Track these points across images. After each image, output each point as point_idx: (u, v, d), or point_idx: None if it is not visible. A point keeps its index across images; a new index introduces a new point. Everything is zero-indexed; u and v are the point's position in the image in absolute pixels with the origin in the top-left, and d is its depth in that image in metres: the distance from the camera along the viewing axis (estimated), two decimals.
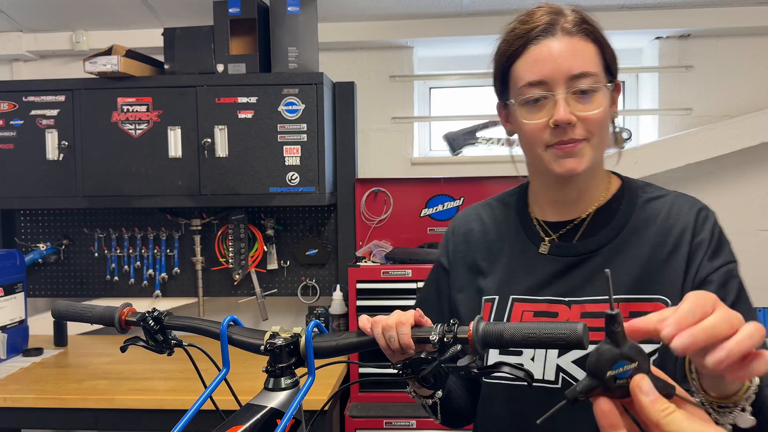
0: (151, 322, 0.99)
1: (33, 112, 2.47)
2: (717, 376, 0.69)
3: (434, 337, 0.82)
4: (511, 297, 1.06)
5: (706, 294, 0.64)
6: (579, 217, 1.06)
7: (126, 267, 2.74)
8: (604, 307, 0.64)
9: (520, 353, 1.03)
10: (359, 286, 2.33)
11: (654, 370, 0.60)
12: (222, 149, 2.38)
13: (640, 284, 0.99)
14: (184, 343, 1.03)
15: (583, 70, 0.96)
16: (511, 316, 1.04)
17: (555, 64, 0.96)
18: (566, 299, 1.02)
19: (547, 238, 1.07)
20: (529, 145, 1.03)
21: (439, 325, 0.83)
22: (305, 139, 2.37)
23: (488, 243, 1.15)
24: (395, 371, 0.88)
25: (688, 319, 0.61)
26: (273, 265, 2.71)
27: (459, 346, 0.81)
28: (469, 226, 1.22)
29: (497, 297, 1.08)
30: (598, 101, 0.97)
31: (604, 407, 0.59)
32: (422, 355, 0.84)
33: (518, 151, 1.13)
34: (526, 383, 0.80)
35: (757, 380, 0.76)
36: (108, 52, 2.36)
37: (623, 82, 2.85)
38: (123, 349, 0.99)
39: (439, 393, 1.03)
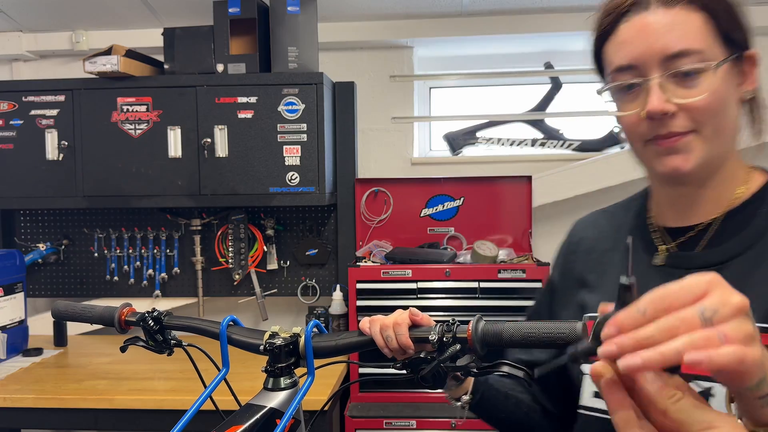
0: (150, 322, 0.99)
1: (33, 112, 2.47)
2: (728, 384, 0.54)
3: (433, 337, 0.82)
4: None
5: (694, 280, 0.51)
6: (705, 221, 0.86)
7: (126, 267, 2.74)
8: None
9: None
10: (359, 286, 2.33)
11: None
12: (222, 149, 2.38)
13: None
14: (183, 343, 1.03)
15: (682, 48, 0.79)
16: None
17: (646, 44, 0.80)
18: None
19: (663, 247, 0.89)
20: (629, 140, 0.88)
21: (438, 325, 0.83)
22: (305, 139, 2.37)
23: (599, 253, 0.98)
24: (395, 371, 0.88)
25: (630, 319, 0.51)
26: (273, 265, 2.71)
27: (458, 346, 0.81)
28: (582, 234, 1.05)
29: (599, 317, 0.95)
30: (706, 83, 0.79)
31: (603, 371, 0.53)
32: (421, 355, 0.84)
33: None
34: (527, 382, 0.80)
35: None
36: (108, 51, 2.36)
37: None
38: (123, 349, 0.99)
39: (466, 397, 0.98)
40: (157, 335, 1.00)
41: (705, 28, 0.81)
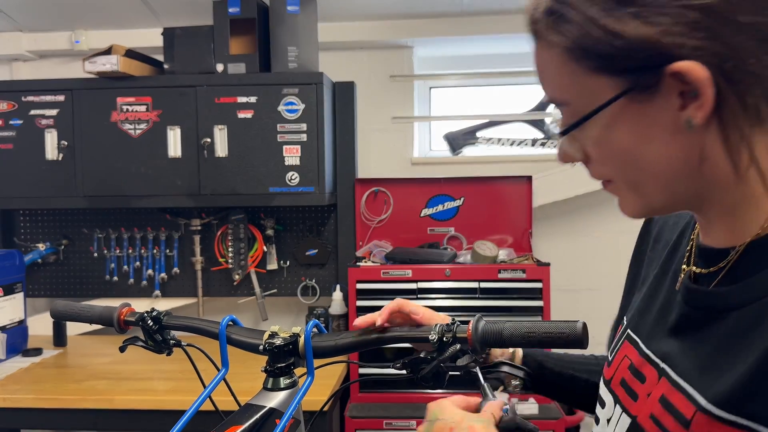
0: (149, 322, 0.99)
1: (32, 112, 2.46)
2: None
3: (433, 337, 0.82)
4: (628, 331, 0.78)
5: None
6: (734, 246, 0.63)
7: (125, 267, 2.74)
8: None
9: None
10: (359, 286, 2.33)
11: None
12: (222, 149, 2.38)
13: None
14: (183, 343, 1.03)
15: (551, 97, 0.65)
16: (615, 356, 0.79)
17: None
18: (662, 365, 0.68)
19: (685, 268, 0.70)
20: None
21: (438, 325, 0.83)
22: (305, 139, 2.36)
23: (659, 251, 0.82)
24: (395, 371, 0.87)
25: None
26: (273, 266, 2.71)
27: (458, 346, 0.80)
28: (668, 220, 0.83)
29: (623, 323, 0.81)
30: (593, 131, 0.62)
31: None
32: (422, 355, 0.83)
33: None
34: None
35: None
36: (107, 51, 2.36)
37: None
38: (122, 350, 0.99)
39: (516, 382, 0.95)
40: (157, 335, 1.00)
41: (566, 69, 0.60)
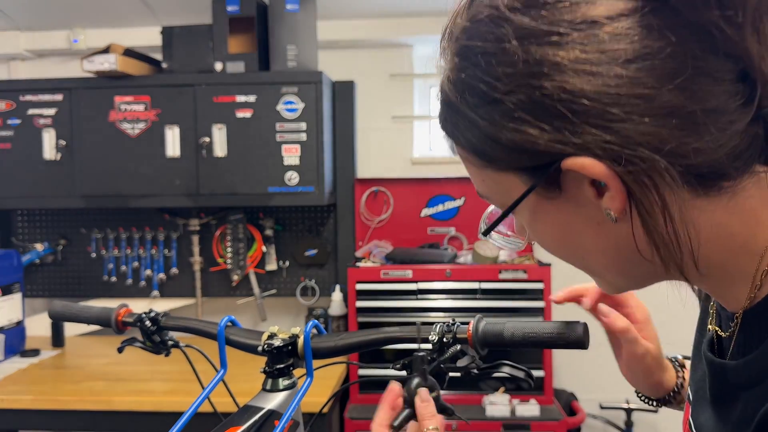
0: (147, 322, 0.98)
1: (30, 111, 2.45)
2: None
3: (434, 337, 0.81)
4: (690, 390, 0.70)
5: None
6: (738, 311, 0.57)
7: (124, 267, 2.73)
8: None
9: None
10: (359, 286, 2.32)
11: None
12: (220, 148, 2.37)
13: None
14: (181, 344, 1.02)
15: (479, 192, 0.62)
16: (684, 417, 0.70)
17: None
18: None
19: (711, 328, 0.64)
20: None
21: (438, 325, 0.82)
22: (304, 139, 2.36)
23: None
24: (395, 372, 0.86)
25: None
26: (272, 266, 2.70)
27: (459, 346, 0.79)
28: None
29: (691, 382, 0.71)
30: (529, 226, 0.60)
31: None
32: (421, 355, 0.82)
33: None
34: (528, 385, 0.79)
35: None
36: (106, 50, 2.35)
37: None
38: (120, 350, 0.98)
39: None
40: (155, 336, 0.99)
41: (475, 166, 0.58)
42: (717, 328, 0.61)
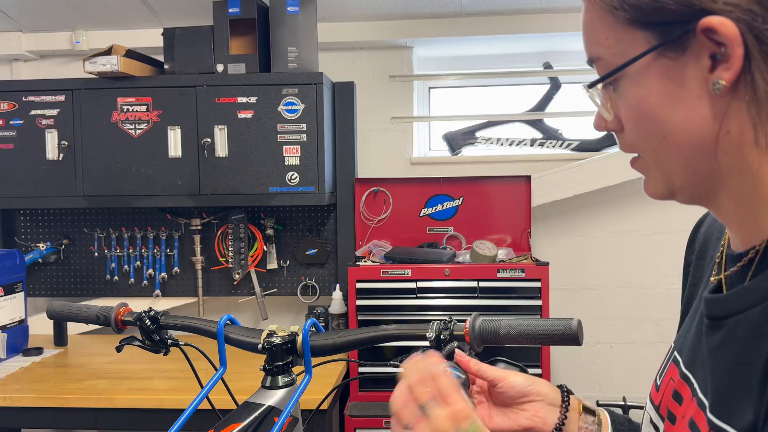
0: (147, 321, 1.00)
1: (33, 112, 2.47)
2: None
3: (431, 335, 0.83)
4: (675, 353, 0.74)
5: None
6: (755, 246, 0.61)
7: (126, 267, 2.75)
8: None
9: None
10: (359, 285, 2.33)
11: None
12: (222, 149, 2.39)
13: None
14: (180, 343, 1.04)
15: (589, 55, 0.64)
16: (663, 379, 0.74)
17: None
18: (695, 384, 0.66)
19: (714, 278, 0.68)
20: None
21: (435, 322, 0.83)
22: (305, 139, 2.37)
23: (705, 267, 0.77)
24: (393, 369, 0.88)
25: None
26: (273, 265, 2.71)
27: (455, 343, 0.81)
28: (711, 235, 0.78)
29: (672, 345, 0.77)
30: (627, 93, 0.61)
31: None
32: (419, 352, 0.84)
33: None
34: None
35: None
36: (108, 52, 2.36)
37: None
38: (119, 349, 1.00)
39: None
40: (154, 335, 1.00)
41: (604, 23, 0.61)
42: (723, 276, 0.65)
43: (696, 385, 0.65)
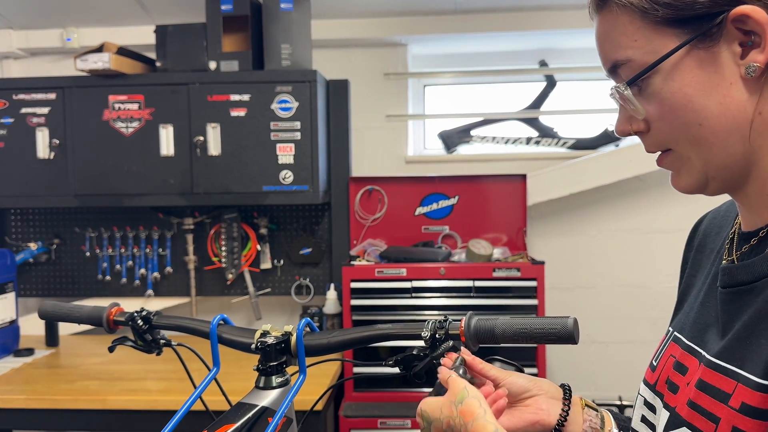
0: (139, 321, 0.98)
1: (23, 110, 2.44)
2: None
3: (426, 334, 0.81)
4: (675, 333, 0.78)
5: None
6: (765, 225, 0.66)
7: (118, 266, 2.72)
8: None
9: None
10: (353, 285, 2.32)
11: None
12: (214, 147, 2.37)
13: None
14: (173, 343, 1.02)
15: (613, 60, 0.66)
16: (660, 359, 0.78)
17: (600, 58, 0.70)
18: (702, 352, 0.69)
19: (725, 261, 0.71)
20: None
21: (431, 321, 0.82)
22: (299, 138, 2.35)
23: (705, 260, 0.81)
24: (388, 369, 0.87)
25: None
26: (266, 265, 2.70)
27: (451, 342, 0.80)
28: (711, 229, 0.82)
29: (669, 331, 0.81)
30: (656, 91, 0.64)
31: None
32: (414, 352, 0.83)
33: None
34: None
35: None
36: (99, 49, 2.34)
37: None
38: (111, 350, 0.98)
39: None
40: (146, 335, 0.99)
41: (632, 26, 0.63)
42: (735, 255, 0.69)
43: (705, 353, 0.68)
